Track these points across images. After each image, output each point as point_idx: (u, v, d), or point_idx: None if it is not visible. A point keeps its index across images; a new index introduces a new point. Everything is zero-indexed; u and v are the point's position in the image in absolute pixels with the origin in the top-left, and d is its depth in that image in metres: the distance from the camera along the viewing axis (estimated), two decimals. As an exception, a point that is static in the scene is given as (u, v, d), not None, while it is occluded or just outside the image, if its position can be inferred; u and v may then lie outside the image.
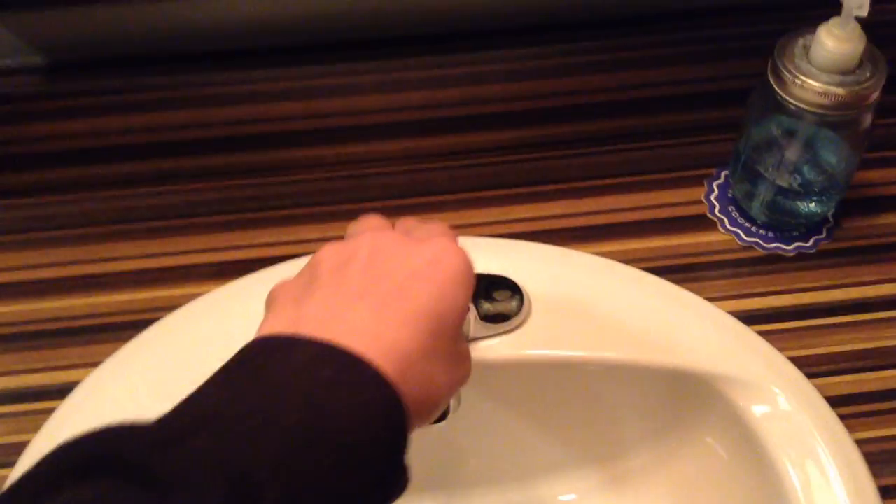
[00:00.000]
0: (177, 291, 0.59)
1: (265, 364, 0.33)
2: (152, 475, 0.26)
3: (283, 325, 0.36)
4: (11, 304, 0.59)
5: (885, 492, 0.51)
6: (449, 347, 0.38)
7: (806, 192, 0.60)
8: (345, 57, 0.60)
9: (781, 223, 0.62)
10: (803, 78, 0.54)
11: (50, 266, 0.61)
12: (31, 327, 0.58)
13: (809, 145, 0.59)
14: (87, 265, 0.61)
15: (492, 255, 0.57)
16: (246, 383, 0.32)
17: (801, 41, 0.56)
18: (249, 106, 0.61)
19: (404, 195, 0.64)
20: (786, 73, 0.55)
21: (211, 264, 0.61)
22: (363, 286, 0.37)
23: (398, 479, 0.34)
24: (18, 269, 0.61)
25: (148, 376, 0.53)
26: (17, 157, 0.62)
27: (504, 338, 0.54)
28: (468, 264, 0.40)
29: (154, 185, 0.64)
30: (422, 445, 0.58)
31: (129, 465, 0.27)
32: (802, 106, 0.55)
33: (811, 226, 0.62)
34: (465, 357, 0.41)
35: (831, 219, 0.63)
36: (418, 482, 0.61)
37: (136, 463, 0.27)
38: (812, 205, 0.61)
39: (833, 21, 0.53)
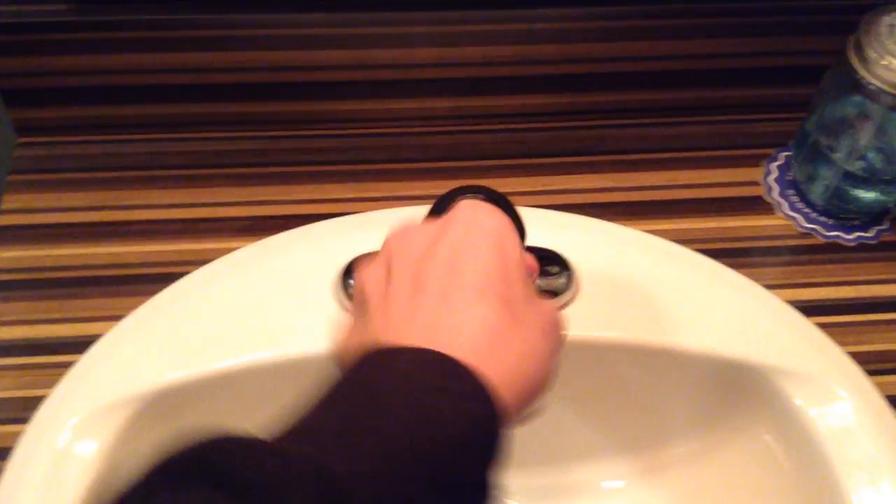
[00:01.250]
0: (206, 245, 0.56)
1: (370, 378, 0.33)
2: (246, 485, 0.27)
3: (379, 331, 0.36)
4: (29, 249, 0.56)
5: (945, 501, 0.48)
6: (526, 310, 0.36)
7: (872, 179, 0.57)
8: (397, 4, 0.56)
9: (843, 211, 0.59)
10: (889, 58, 0.51)
11: (72, 210, 0.58)
12: (50, 274, 0.55)
13: (882, 131, 0.56)
14: (112, 212, 0.58)
15: (540, 228, 0.54)
16: (351, 398, 0.33)
17: (887, 19, 0.52)
18: (294, 52, 0.57)
19: (447, 157, 0.61)
20: (870, 51, 0.51)
21: (243, 218, 0.58)
22: (433, 285, 0.36)
23: (485, 492, 0.33)
24: (37, 210, 0.58)
25: (172, 336, 0.51)
26: (42, 91, 0.59)
27: (553, 316, 0.51)
28: (499, 214, 0.39)
29: (186, 131, 0.61)
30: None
31: (225, 474, 0.27)
32: (884, 87, 0.52)
33: (872, 216, 0.59)
34: (550, 317, 0.39)
35: (895, 209, 0.60)
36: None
37: (232, 473, 0.27)
38: (877, 194, 0.58)
39: (926, -1, 0.50)
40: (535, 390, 0.36)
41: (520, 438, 0.58)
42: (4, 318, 0.53)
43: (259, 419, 0.53)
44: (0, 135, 0.65)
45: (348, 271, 0.52)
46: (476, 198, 0.43)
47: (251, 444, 0.29)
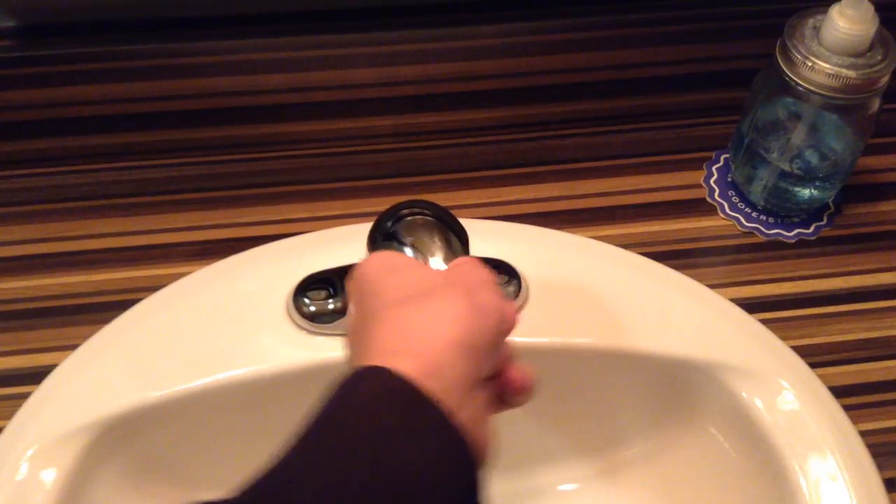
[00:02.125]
0: (157, 271, 0.56)
1: (336, 423, 0.32)
2: None
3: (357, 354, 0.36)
4: (-19, 283, 0.56)
5: (890, 484, 0.50)
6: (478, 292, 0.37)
7: (808, 177, 0.59)
8: (336, 28, 0.57)
9: (782, 209, 0.60)
10: (814, 59, 0.52)
11: (21, 243, 0.58)
12: (2, 307, 0.55)
13: (814, 129, 0.57)
14: (60, 242, 0.58)
15: (486, 238, 0.55)
16: (319, 440, 0.32)
17: (811, 21, 0.54)
18: (235, 77, 0.58)
19: (395, 174, 0.62)
20: (795, 53, 0.53)
21: (193, 243, 0.58)
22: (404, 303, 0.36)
23: None
24: (-13, 245, 0.58)
25: (128, 362, 0.51)
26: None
27: (501, 324, 0.52)
28: (488, 271, 0.39)
29: (133, 160, 0.61)
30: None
31: None
32: (811, 88, 0.53)
33: (812, 212, 0.61)
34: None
35: (832, 205, 0.62)
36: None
37: None
38: (814, 191, 0.60)
39: (846, 1, 0.52)
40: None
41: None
42: (-42, 353, 0.53)
43: (216, 439, 0.54)
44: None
45: (300, 290, 0.53)
46: (422, 214, 0.44)
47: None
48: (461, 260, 0.41)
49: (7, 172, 0.61)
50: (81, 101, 0.59)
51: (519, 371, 0.38)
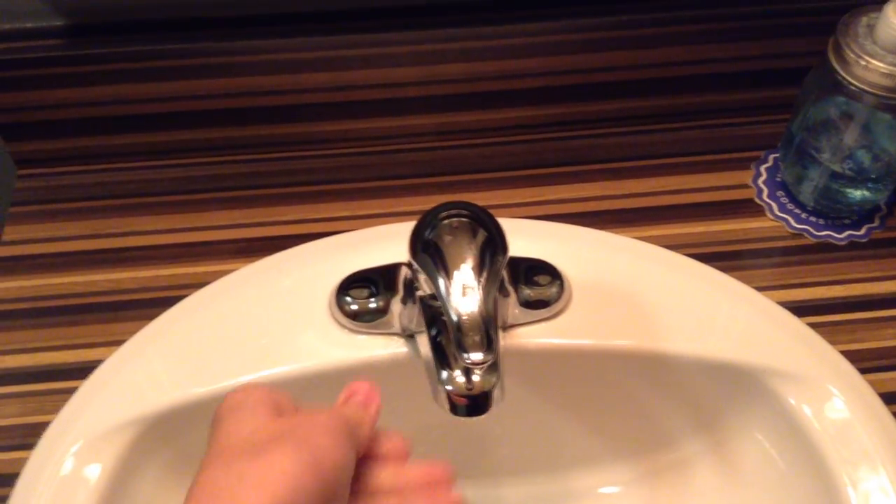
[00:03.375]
0: (200, 268, 0.57)
1: None
2: None
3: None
4: (30, 278, 0.57)
5: (942, 495, 0.48)
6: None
7: (860, 178, 0.57)
8: (377, 27, 0.57)
9: (832, 210, 0.59)
10: (867, 58, 0.51)
11: (70, 239, 0.59)
12: (51, 303, 0.56)
13: (867, 130, 0.56)
14: (109, 239, 0.59)
15: (530, 238, 0.55)
16: None
17: (864, 19, 0.53)
18: (278, 76, 0.58)
19: (436, 173, 0.62)
20: (848, 52, 0.52)
21: (237, 240, 0.59)
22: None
23: None
24: (36, 241, 0.59)
25: (172, 358, 0.52)
26: (36, 124, 0.60)
27: (543, 324, 0.52)
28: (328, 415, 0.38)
29: (177, 157, 0.62)
30: (452, 432, 0.56)
31: None
32: (864, 87, 0.52)
33: (863, 214, 0.60)
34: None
35: (884, 207, 0.60)
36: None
37: None
38: (865, 192, 0.58)
39: (901, -3, 0.50)
40: None
41: (518, 447, 0.59)
42: (7, 347, 0.54)
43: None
44: (1, 168, 0.66)
45: (342, 288, 0.53)
46: (460, 215, 0.44)
47: None
48: (303, 413, 0.39)
49: (53, 169, 0.62)
50: (126, 99, 0.59)
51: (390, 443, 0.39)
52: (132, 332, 0.53)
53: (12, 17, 0.57)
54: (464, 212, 0.43)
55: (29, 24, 0.58)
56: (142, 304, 0.56)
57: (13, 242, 0.59)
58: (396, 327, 0.51)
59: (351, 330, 0.52)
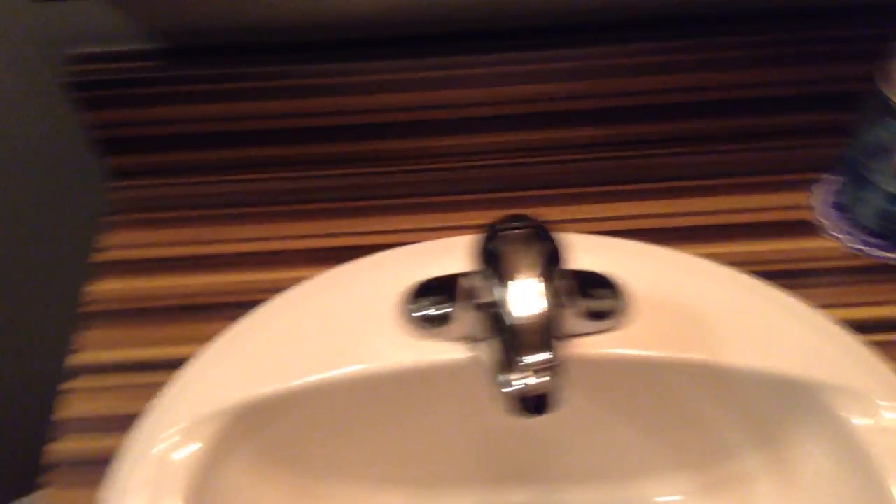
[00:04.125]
0: (281, 275, 0.61)
1: None
2: None
3: None
4: (127, 281, 0.61)
5: None
6: None
7: (919, 200, 0.58)
8: (451, 50, 0.61)
9: (890, 231, 0.60)
10: (922, 83, 0.52)
11: (163, 245, 0.63)
12: (145, 303, 0.60)
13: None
14: (197, 246, 0.63)
15: (594, 253, 0.57)
16: None
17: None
18: (357, 96, 0.62)
19: (506, 188, 0.64)
20: (901, 76, 0.53)
21: (315, 249, 0.62)
22: None
23: None
24: (133, 247, 0.63)
25: (256, 355, 0.55)
26: (135, 139, 0.65)
27: (605, 335, 0.54)
28: None
29: (265, 171, 0.66)
30: (514, 438, 0.59)
31: None
32: (917, 111, 0.53)
33: (924, 235, 0.60)
34: None
35: (946, 229, 0.61)
36: (509, 475, 0.61)
37: None
38: (925, 214, 0.59)
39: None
40: None
41: (578, 455, 0.60)
42: (107, 343, 0.58)
43: (332, 432, 0.57)
44: (98, 179, 0.71)
45: (413, 295, 0.56)
46: (519, 228, 0.46)
47: None
48: None
49: (150, 181, 0.66)
50: (217, 117, 0.63)
51: None
52: (218, 333, 0.56)
53: (118, 41, 0.62)
54: (524, 224, 0.46)
55: (135, 46, 0.63)
56: (227, 307, 0.59)
57: (111, 248, 0.63)
58: (461, 333, 0.53)
59: (420, 335, 0.54)
